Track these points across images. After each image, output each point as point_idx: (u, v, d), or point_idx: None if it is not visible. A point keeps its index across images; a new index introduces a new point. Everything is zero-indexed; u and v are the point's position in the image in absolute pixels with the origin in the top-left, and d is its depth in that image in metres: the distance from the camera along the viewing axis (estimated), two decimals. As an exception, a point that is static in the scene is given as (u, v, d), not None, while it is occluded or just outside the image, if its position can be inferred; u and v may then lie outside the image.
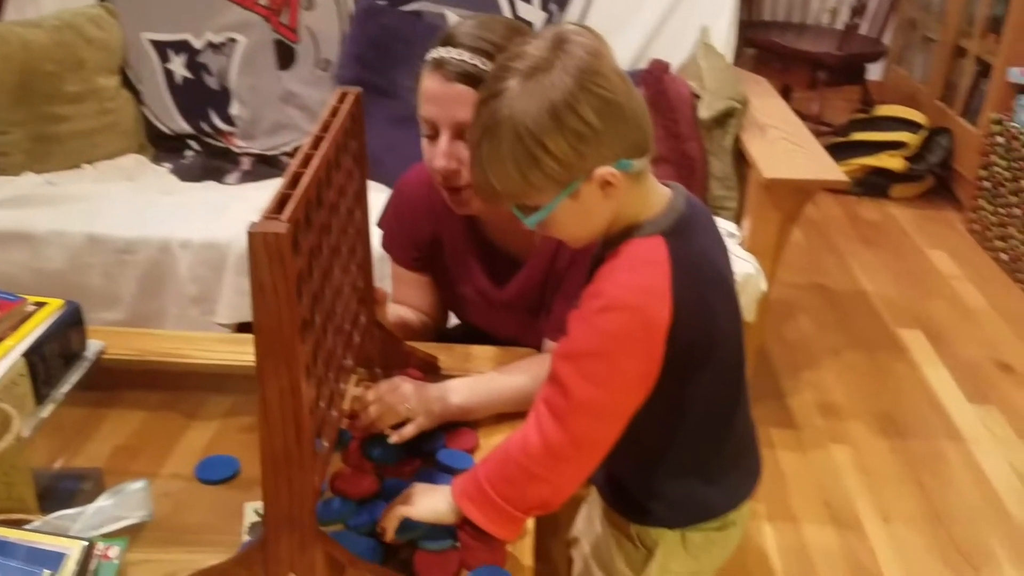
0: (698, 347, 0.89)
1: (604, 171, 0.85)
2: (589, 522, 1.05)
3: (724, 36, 2.40)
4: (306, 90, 2.32)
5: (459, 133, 1.13)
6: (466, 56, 1.11)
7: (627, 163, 0.86)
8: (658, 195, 0.92)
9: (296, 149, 2.30)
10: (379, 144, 2.24)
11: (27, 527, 0.81)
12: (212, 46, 2.34)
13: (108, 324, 1.86)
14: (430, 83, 1.13)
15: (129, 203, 1.99)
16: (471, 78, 1.10)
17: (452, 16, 2.31)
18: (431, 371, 1.31)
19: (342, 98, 1.11)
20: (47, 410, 1.18)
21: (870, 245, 3.15)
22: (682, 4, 2.37)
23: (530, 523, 1.04)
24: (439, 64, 1.11)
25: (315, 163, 0.93)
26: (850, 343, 2.55)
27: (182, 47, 2.34)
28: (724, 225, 2.06)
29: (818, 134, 3.44)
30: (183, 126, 2.35)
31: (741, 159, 2.11)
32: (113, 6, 2.32)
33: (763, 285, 1.90)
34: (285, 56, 2.34)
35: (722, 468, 0.98)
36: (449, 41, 1.12)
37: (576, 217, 0.88)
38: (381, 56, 2.21)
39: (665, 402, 0.91)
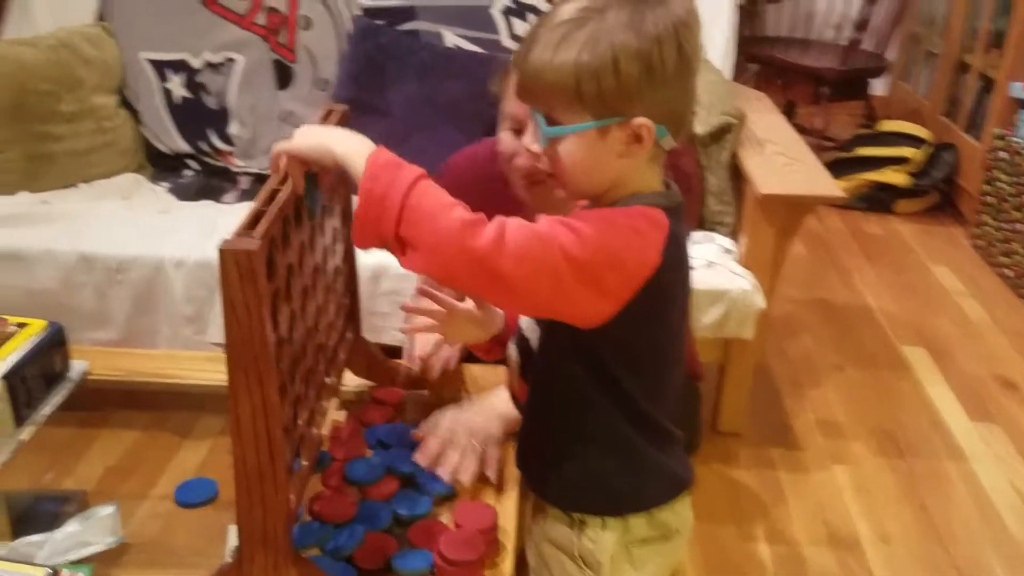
0: (655, 315, 0.88)
1: (644, 122, 0.82)
2: (531, 541, 1.02)
3: (721, 51, 2.40)
4: (304, 109, 2.32)
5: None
6: None
7: (663, 131, 0.84)
8: (659, 182, 0.91)
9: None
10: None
11: (-6, 552, 0.80)
12: (210, 66, 2.34)
13: (100, 344, 1.85)
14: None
15: (122, 222, 1.99)
16: None
17: (449, 35, 2.31)
18: (415, 387, 1.29)
19: (328, 115, 1.11)
20: (26, 432, 1.17)
21: (874, 260, 3.12)
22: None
23: (509, 544, 1.02)
24: None
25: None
26: (852, 359, 2.52)
27: (180, 66, 2.34)
28: (721, 241, 2.05)
29: (822, 149, 3.45)
30: (182, 145, 2.36)
31: (738, 175, 2.10)
32: (110, 25, 2.33)
33: (760, 302, 1.89)
34: (283, 76, 2.35)
35: (659, 444, 0.95)
36: None
37: (588, 156, 0.84)
38: (376, 75, 2.21)
39: (611, 367, 0.90)
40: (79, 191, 2.22)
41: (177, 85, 2.34)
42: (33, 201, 2.12)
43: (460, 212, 0.80)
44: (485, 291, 0.82)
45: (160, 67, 2.34)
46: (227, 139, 2.35)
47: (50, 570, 0.79)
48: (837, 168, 3.37)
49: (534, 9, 2.32)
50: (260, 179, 2.30)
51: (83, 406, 1.25)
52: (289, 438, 0.93)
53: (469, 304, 1.07)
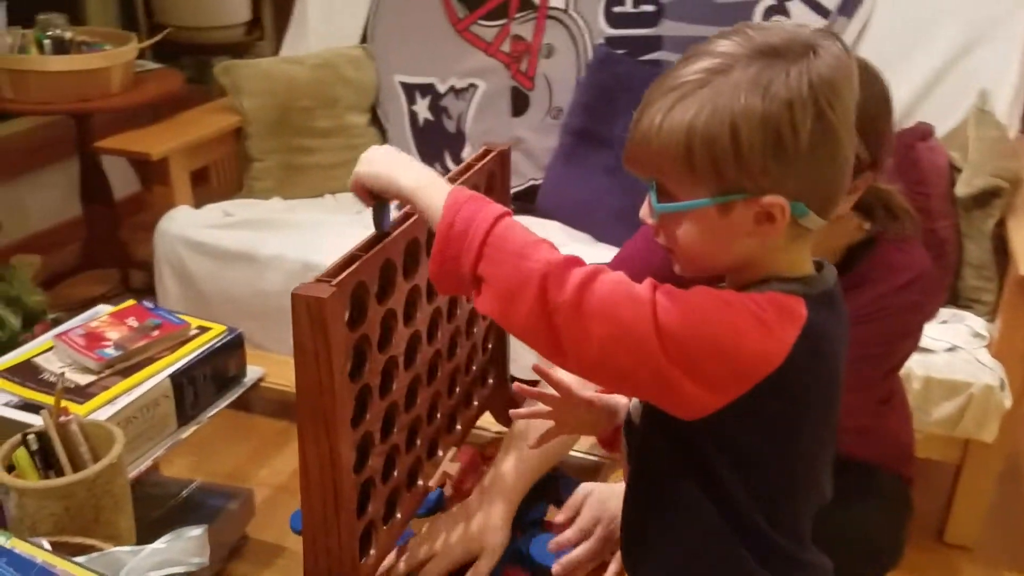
0: (778, 423, 0.74)
1: (775, 200, 0.69)
2: None
3: (1007, 103, 2.08)
4: (534, 137, 2.32)
5: None
6: None
7: (803, 208, 0.71)
8: (807, 265, 0.77)
9: (517, 194, 2.34)
10: (589, 193, 2.20)
11: (79, 558, 0.83)
12: (454, 90, 2.41)
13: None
14: None
15: (349, 236, 2.08)
16: None
17: (691, 69, 2.20)
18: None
19: (483, 156, 1.07)
20: (187, 431, 1.23)
21: None
22: (962, 61, 2.09)
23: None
24: None
25: (411, 223, 0.90)
26: None
27: (427, 90, 2.43)
28: (972, 322, 1.77)
29: None
30: (420, 166, 2.44)
31: (1005, 247, 1.80)
32: (371, 48, 2.47)
33: (1007, 402, 1.60)
34: (519, 103, 2.36)
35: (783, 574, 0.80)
36: None
37: (707, 235, 0.72)
38: (607, 105, 2.16)
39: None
40: (323, 202, 2.38)
41: (423, 108, 2.44)
42: (283, 208, 2.30)
43: (547, 252, 0.71)
44: (547, 347, 0.71)
45: (410, 90, 2.45)
46: (460, 162, 2.40)
47: (118, 584, 0.80)
48: None
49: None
50: (484, 204, 2.32)
51: (262, 411, 1.31)
52: (375, 492, 0.89)
53: (590, 388, 0.96)
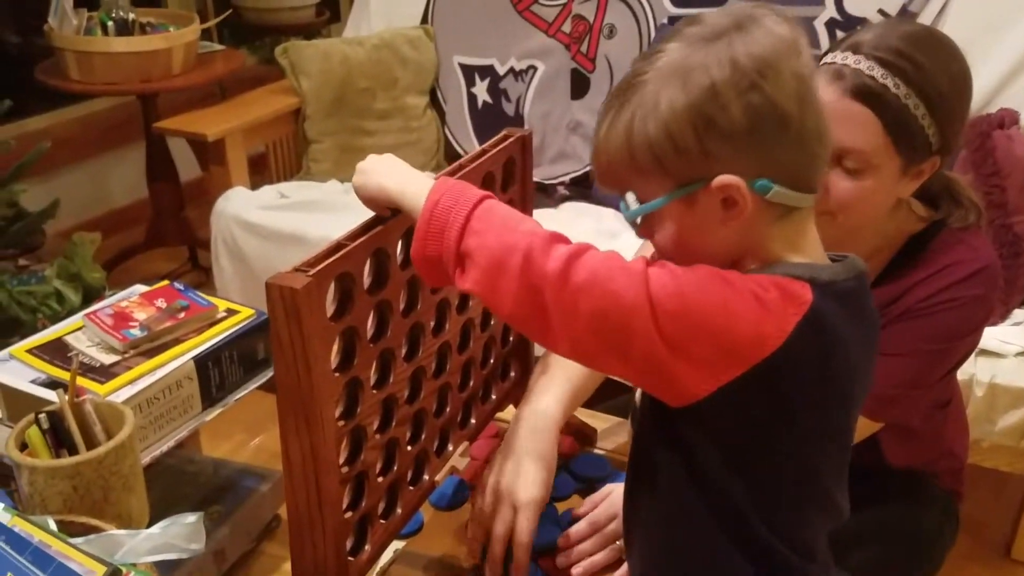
0: (774, 417, 0.70)
1: (726, 180, 0.67)
2: None
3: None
4: (593, 120, 2.25)
5: (838, 160, 0.98)
6: (875, 70, 0.96)
7: (767, 185, 0.68)
8: (814, 249, 0.73)
9: (574, 180, 2.29)
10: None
11: (78, 539, 0.83)
12: (514, 72, 2.37)
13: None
14: (822, 93, 1.00)
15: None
16: (873, 97, 0.95)
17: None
18: (586, 443, 1.18)
19: (501, 140, 1.03)
20: (213, 414, 1.23)
21: None
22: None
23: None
24: (838, 75, 0.97)
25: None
26: None
27: (487, 72, 2.40)
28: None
29: None
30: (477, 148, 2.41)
31: (1091, 244, 1.67)
32: (431, 28, 2.44)
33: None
34: (579, 85, 2.31)
35: None
36: (855, 47, 0.98)
37: (685, 230, 0.71)
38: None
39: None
40: (380, 184, 2.37)
41: (482, 90, 2.40)
42: (338, 190, 2.30)
43: (532, 225, 0.70)
44: (536, 325, 0.69)
45: (469, 71, 2.42)
46: (518, 146, 2.37)
47: (111, 567, 0.79)
48: None
49: (863, 22, 2.04)
50: (539, 188, 2.28)
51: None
52: (371, 486, 0.87)
53: None
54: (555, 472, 0.98)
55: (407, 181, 0.78)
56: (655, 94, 0.68)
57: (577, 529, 0.99)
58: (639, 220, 0.72)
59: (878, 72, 0.95)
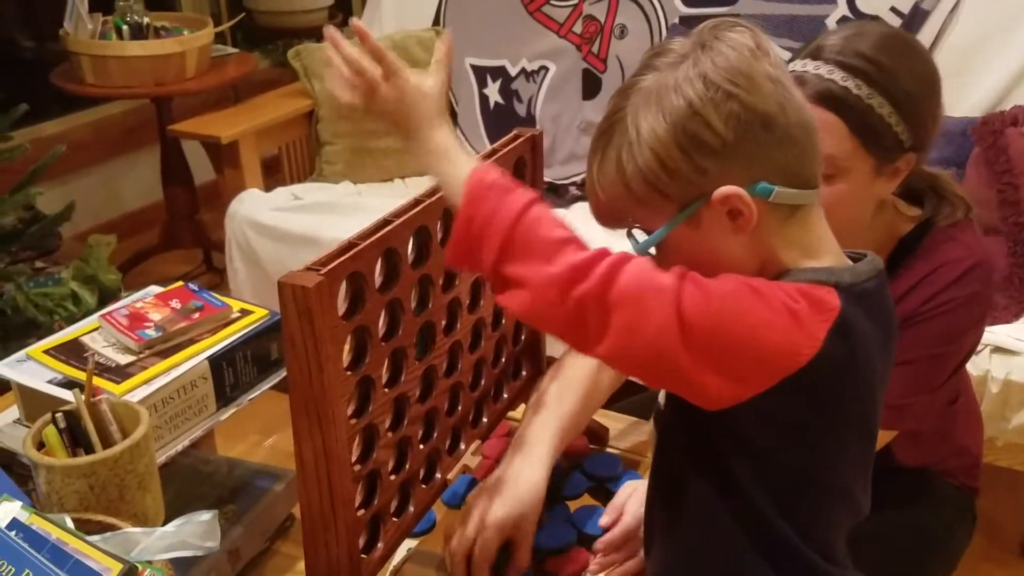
0: (803, 425, 0.71)
1: (726, 191, 0.68)
2: None
3: None
4: (605, 121, 2.26)
5: None
6: (835, 74, 0.96)
7: (767, 188, 0.68)
8: (830, 248, 0.73)
9: (584, 181, 2.29)
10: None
11: (94, 537, 0.84)
12: (525, 73, 2.38)
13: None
14: None
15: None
16: (835, 101, 0.96)
17: (773, 46, 2.10)
18: (599, 442, 1.18)
19: (512, 140, 1.04)
20: (227, 413, 1.24)
21: None
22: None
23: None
24: (799, 81, 0.98)
25: (418, 211, 0.87)
26: None
27: (499, 73, 2.40)
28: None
29: None
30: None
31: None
32: (442, 30, 2.45)
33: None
34: (591, 86, 2.31)
35: None
36: (815, 53, 0.99)
37: (697, 253, 0.71)
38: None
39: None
40: (392, 186, 2.38)
41: (493, 91, 2.41)
42: (351, 192, 2.31)
43: (572, 253, 0.68)
44: (573, 340, 0.69)
45: (481, 73, 2.42)
46: (530, 147, 2.37)
47: (128, 565, 0.80)
48: None
49: (874, 19, 2.03)
50: (550, 188, 2.29)
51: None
52: (383, 484, 0.88)
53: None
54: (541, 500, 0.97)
55: (443, 145, 0.75)
56: (635, 124, 0.68)
57: (612, 538, 0.98)
58: (652, 251, 0.72)
59: (838, 75, 0.95)
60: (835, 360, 0.67)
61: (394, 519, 0.91)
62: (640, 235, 0.73)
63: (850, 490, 0.76)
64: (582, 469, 1.11)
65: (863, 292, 0.70)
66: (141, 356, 1.14)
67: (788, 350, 0.66)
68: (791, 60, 1.01)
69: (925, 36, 1.98)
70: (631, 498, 1.00)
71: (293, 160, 2.44)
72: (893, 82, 0.96)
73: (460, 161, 0.73)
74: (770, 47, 0.70)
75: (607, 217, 0.74)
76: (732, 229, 0.69)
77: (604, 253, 0.68)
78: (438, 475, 0.98)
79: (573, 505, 1.05)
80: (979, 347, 1.24)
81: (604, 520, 1.00)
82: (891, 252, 1.06)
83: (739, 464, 0.72)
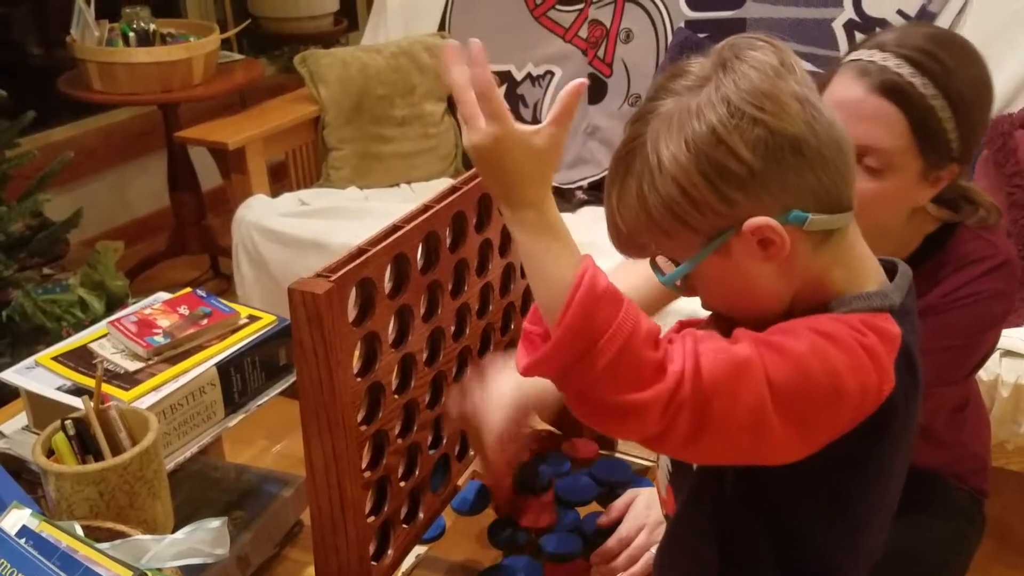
0: (866, 456, 0.69)
1: (757, 223, 0.64)
2: None
3: None
4: (612, 125, 2.27)
5: (858, 158, 0.92)
6: (903, 68, 0.95)
7: (800, 215, 0.64)
8: (872, 268, 0.70)
9: (592, 184, 2.29)
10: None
11: (104, 544, 0.83)
12: (531, 78, 2.38)
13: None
14: (846, 89, 0.97)
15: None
16: (900, 94, 0.95)
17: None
18: (608, 447, 1.18)
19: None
20: (235, 420, 1.23)
21: None
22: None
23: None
24: (862, 72, 0.96)
25: (428, 216, 0.87)
26: None
27: (505, 78, 2.41)
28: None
29: None
30: (496, 153, 2.42)
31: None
32: (448, 35, 2.45)
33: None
34: (597, 90, 2.31)
35: None
36: (881, 46, 0.97)
37: (729, 282, 0.68)
38: (684, 93, 2.08)
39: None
40: (399, 191, 2.38)
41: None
42: (358, 196, 2.31)
43: (664, 380, 0.62)
44: (657, 444, 0.65)
45: (487, 77, 2.42)
46: (536, 152, 2.37)
47: (137, 572, 0.80)
48: None
49: (882, 23, 2.03)
50: (556, 192, 2.28)
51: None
52: (393, 491, 0.87)
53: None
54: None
55: (543, 237, 0.67)
56: (656, 152, 0.65)
57: (607, 548, 0.97)
58: (678, 283, 0.69)
59: (905, 70, 0.94)
60: (907, 389, 0.66)
61: (404, 525, 0.91)
62: (664, 263, 0.70)
63: (891, 500, 0.75)
64: (591, 474, 1.11)
65: (906, 311, 0.69)
66: (150, 363, 1.14)
67: (874, 390, 0.64)
68: (850, 51, 0.99)
69: (932, 38, 1.98)
70: (634, 502, 0.99)
71: (300, 165, 2.44)
72: (954, 85, 0.95)
73: (560, 249, 0.65)
74: (795, 62, 0.66)
75: (629, 248, 0.71)
76: (764, 258, 0.65)
77: (679, 350, 0.63)
78: (448, 481, 0.98)
79: (583, 511, 1.05)
80: (990, 350, 1.24)
81: (602, 520, 1.00)
82: (917, 248, 1.06)
83: (798, 505, 0.70)
